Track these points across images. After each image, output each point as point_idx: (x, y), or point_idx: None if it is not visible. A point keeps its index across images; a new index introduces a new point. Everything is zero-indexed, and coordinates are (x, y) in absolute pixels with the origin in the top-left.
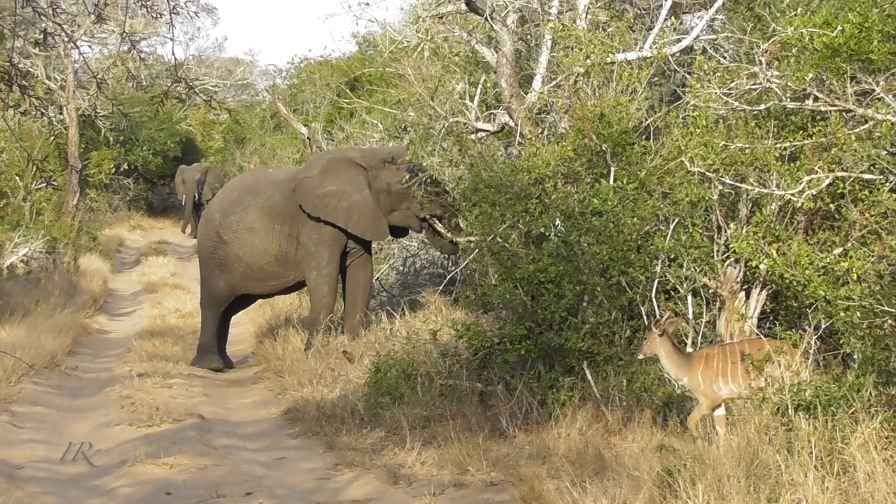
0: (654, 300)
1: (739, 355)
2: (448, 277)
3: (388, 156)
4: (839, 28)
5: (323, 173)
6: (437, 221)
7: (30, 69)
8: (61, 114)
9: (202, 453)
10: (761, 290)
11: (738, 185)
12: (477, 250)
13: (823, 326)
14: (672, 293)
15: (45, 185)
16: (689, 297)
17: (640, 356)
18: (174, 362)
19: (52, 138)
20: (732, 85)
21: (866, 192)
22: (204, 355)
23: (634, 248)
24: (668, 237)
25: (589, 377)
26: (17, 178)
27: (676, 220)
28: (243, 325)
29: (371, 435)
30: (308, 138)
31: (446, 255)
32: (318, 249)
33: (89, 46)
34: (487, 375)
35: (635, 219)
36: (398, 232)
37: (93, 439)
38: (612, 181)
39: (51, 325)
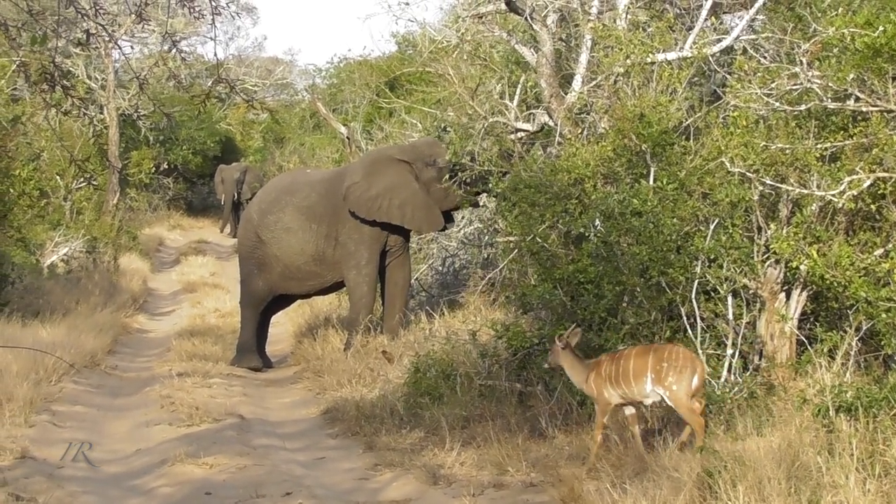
0: (693, 301)
1: (625, 361)
2: (487, 278)
3: (427, 147)
4: (881, 28)
5: (368, 176)
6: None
7: (71, 69)
8: (101, 113)
9: (242, 453)
10: (802, 291)
11: (779, 185)
12: (516, 250)
13: (865, 327)
14: (712, 294)
15: (85, 184)
16: (730, 298)
17: (547, 366)
18: (214, 362)
19: (92, 138)
20: (773, 85)
21: None
22: (243, 355)
23: (674, 248)
24: (708, 238)
25: None
26: (58, 177)
27: (716, 220)
28: (282, 325)
29: (410, 435)
30: (347, 138)
31: (484, 258)
32: (358, 249)
33: (130, 46)
34: (527, 376)
35: (675, 219)
36: (448, 218)
37: (132, 439)
38: (651, 181)
39: (91, 324)
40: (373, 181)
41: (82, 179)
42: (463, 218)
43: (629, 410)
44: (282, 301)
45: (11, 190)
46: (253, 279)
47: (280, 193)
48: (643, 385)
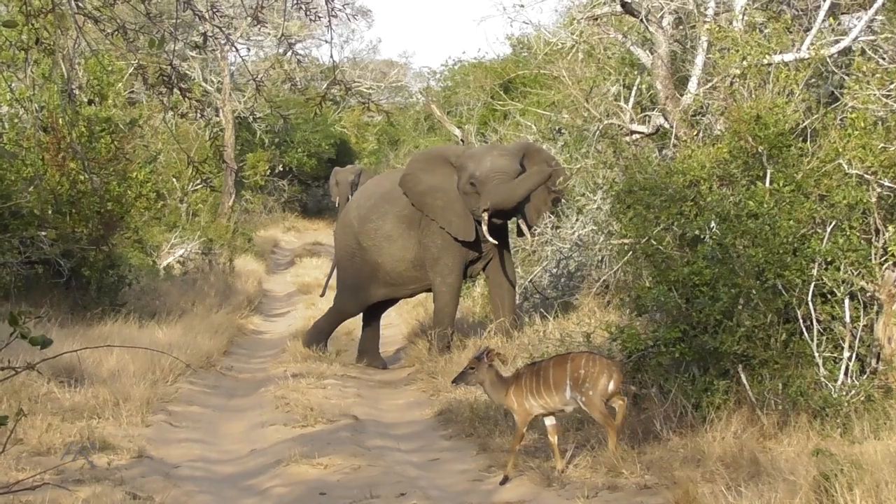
0: (810, 303)
1: (545, 372)
2: (601, 280)
3: (476, 158)
4: None
5: (422, 171)
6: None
7: (187, 72)
8: (217, 116)
9: (356, 454)
10: None
11: None
12: (630, 252)
13: None
14: (829, 296)
15: (202, 186)
16: (847, 301)
17: (462, 384)
18: (328, 363)
19: (209, 140)
20: (892, 86)
21: None
22: (313, 336)
23: (790, 251)
24: (825, 240)
25: (744, 380)
26: (175, 179)
27: (833, 222)
28: (395, 326)
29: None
30: (462, 140)
31: (599, 260)
32: (441, 256)
33: (246, 49)
34: (641, 378)
35: (791, 221)
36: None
37: (248, 439)
38: (768, 183)
39: (207, 325)
40: (423, 178)
41: (199, 181)
42: (577, 220)
43: (549, 421)
44: (388, 302)
45: (129, 192)
46: (354, 283)
47: (379, 201)
48: (563, 393)
